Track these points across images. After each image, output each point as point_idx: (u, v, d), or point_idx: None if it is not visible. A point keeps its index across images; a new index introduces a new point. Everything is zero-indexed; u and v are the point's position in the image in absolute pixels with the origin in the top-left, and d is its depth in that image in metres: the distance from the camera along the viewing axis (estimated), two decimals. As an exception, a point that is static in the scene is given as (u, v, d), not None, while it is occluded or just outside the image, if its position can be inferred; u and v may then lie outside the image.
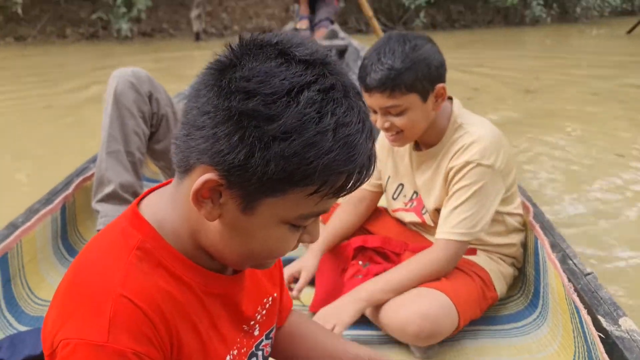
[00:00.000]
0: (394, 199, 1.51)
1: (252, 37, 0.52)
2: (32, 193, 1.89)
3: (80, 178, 1.88)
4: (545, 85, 4.75)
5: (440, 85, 1.29)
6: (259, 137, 0.46)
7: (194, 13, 6.81)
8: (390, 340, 1.36)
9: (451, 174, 1.29)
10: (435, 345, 1.33)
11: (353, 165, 0.49)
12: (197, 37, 6.84)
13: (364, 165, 0.50)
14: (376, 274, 1.37)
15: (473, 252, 1.41)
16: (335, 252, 1.52)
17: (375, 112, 1.33)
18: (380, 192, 1.59)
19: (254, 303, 0.71)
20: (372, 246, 1.48)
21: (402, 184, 1.47)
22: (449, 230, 1.30)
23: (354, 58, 4.11)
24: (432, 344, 1.31)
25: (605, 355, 1.00)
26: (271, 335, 0.77)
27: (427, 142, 1.40)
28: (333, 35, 4.59)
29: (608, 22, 9.01)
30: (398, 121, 1.30)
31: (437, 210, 1.39)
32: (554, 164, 2.95)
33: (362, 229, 1.58)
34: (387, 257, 1.46)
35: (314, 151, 0.47)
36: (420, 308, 1.25)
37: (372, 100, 1.30)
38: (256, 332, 0.72)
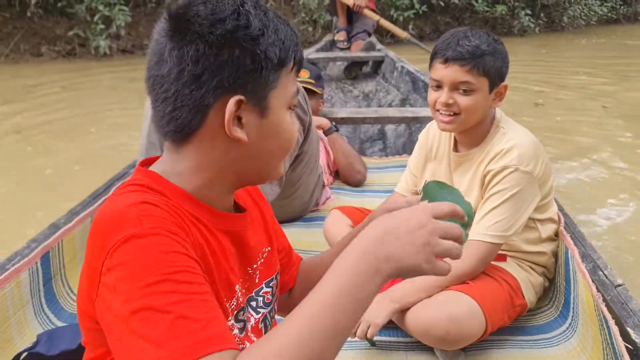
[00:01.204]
0: None
1: (178, 3, 0.61)
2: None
3: (121, 181, 2.05)
4: (551, 97, 4.81)
5: (504, 84, 1.36)
6: (250, 39, 0.58)
7: None
8: (417, 347, 1.39)
9: (488, 177, 1.35)
10: (462, 353, 1.34)
11: (297, 39, 0.64)
12: None
13: (299, 43, 0.66)
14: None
15: (503, 258, 1.45)
16: None
17: (439, 87, 1.38)
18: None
19: (256, 246, 0.77)
20: None
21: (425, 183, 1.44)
22: (482, 232, 1.34)
23: (390, 69, 4.21)
24: (458, 350, 1.34)
25: None
26: (271, 284, 0.82)
27: (469, 142, 1.43)
28: (370, 47, 4.71)
29: (595, 30, 9.26)
30: (463, 100, 1.34)
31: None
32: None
33: None
34: None
35: (281, 34, 0.61)
36: (447, 310, 1.27)
37: (447, 72, 1.35)
38: (256, 280, 0.78)
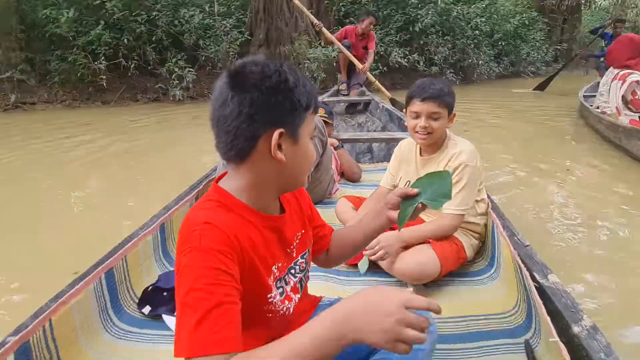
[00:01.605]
0: None
1: (235, 65, 0.71)
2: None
3: (208, 179, 2.16)
4: (471, 126, 5.04)
5: (454, 113, 1.50)
6: (289, 90, 0.67)
7: None
8: (395, 283, 1.49)
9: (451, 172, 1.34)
10: (426, 288, 1.47)
11: (315, 90, 0.72)
12: None
13: (316, 94, 0.71)
14: None
15: None
16: None
17: (418, 117, 1.46)
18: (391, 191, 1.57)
19: (292, 234, 0.84)
20: None
21: (408, 181, 1.60)
22: (453, 208, 1.45)
23: (375, 108, 4.61)
24: (421, 284, 1.46)
25: (538, 298, 1.07)
26: (305, 256, 0.88)
27: (432, 150, 1.54)
28: (362, 93, 5.20)
29: (493, 82, 10.02)
30: (434, 124, 1.47)
31: None
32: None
33: None
34: (392, 228, 1.42)
35: (307, 87, 0.70)
36: (416, 259, 1.41)
37: (424, 107, 1.46)
38: (294, 254, 0.84)
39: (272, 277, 0.78)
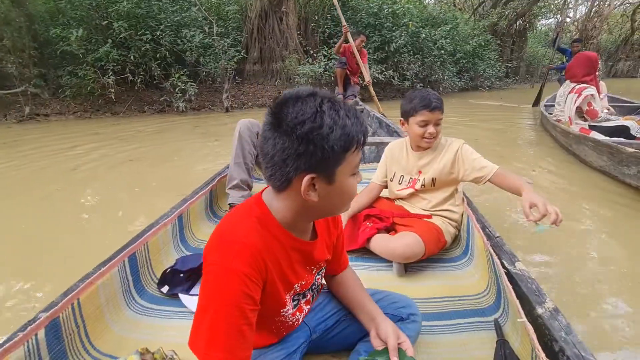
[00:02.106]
0: (399, 184, 1.65)
1: (278, 99, 0.62)
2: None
3: (220, 176, 2.16)
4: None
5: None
6: (321, 138, 0.58)
7: (224, 96, 7.28)
8: (382, 267, 1.49)
9: (458, 154, 1.49)
10: (408, 269, 1.48)
11: (362, 127, 0.62)
12: (227, 110, 7.23)
13: (365, 130, 0.63)
14: (377, 229, 1.52)
15: (429, 217, 1.57)
16: (353, 218, 1.64)
17: (426, 125, 1.47)
18: (384, 186, 1.74)
19: (318, 258, 0.80)
20: (373, 214, 1.60)
21: (402, 175, 1.60)
22: (491, 166, 1.43)
23: (366, 116, 4.53)
24: (402, 265, 1.45)
25: (508, 282, 1.08)
26: (321, 273, 0.85)
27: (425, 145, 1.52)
28: (356, 104, 5.13)
29: (456, 94, 9.99)
30: (438, 128, 1.49)
31: (432, 179, 1.55)
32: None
33: (370, 206, 1.72)
34: (382, 219, 1.59)
35: (347, 128, 0.59)
36: (403, 241, 1.41)
37: (432, 116, 1.45)
38: (314, 273, 0.81)
39: (291, 293, 0.76)
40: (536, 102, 6.92)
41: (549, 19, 16.95)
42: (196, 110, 7.47)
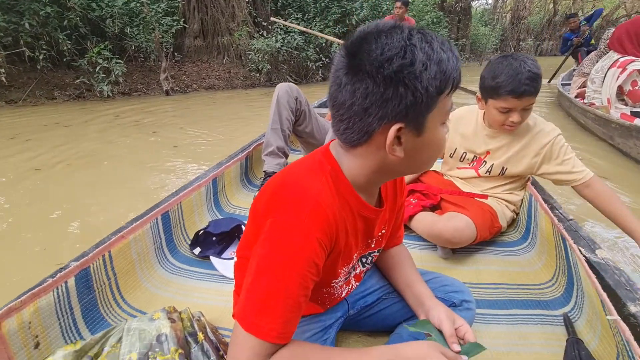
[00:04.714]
0: (460, 161, 1.45)
1: (354, 36, 0.51)
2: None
3: (256, 143, 2.21)
4: None
5: None
6: (414, 78, 0.46)
7: (162, 76, 6.20)
8: (425, 247, 1.39)
9: (547, 148, 1.26)
10: (454, 254, 1.33)
11: (458, 64, 0.50)
12: (167, 93, 6.21)
13: (459, 66, 0.50)
14: (422, 206, 1.39)
15: (485, 197, 1.40)
16: None
17: (509, 112, 1.18)
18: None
19: (379, 228, 0.71)
20: (419, 189, 1.49)
21: (465, 153, 1.39)
22: (587, 172, 1.24)
23: None
24: (450, 249, 1.31)
25: (590, 271, 0.95)
26: (379, 251, 0.78)
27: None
28: None
29: None
30: (525, 114, 1.21)
31: (503, 168, 1.34)
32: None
33: (416, 179, 1.59)
34: (428, 195, 1.46)
35: (443, 64, 0.48)
36: (453, 223, 1.26)
37: (519, 103, 1.16)
38: (372, 245, 0.73)
39: (348, 267, 0.68)
40: (551, 78, 6.40)
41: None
42: (126, 95, 6.25)
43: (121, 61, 5.79)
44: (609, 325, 0.80)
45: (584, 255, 1.02)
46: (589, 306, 0.95)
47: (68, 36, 5.52)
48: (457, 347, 0.60)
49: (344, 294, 0.77)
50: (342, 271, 0.67)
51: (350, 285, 0.77)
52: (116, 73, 5.68)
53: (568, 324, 0.98)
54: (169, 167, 2.67)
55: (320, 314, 0.78)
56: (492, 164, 1.36)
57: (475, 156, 1.40)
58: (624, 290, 0.86)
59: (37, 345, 0.81)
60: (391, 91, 0.47)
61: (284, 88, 1.85)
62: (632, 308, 0.80)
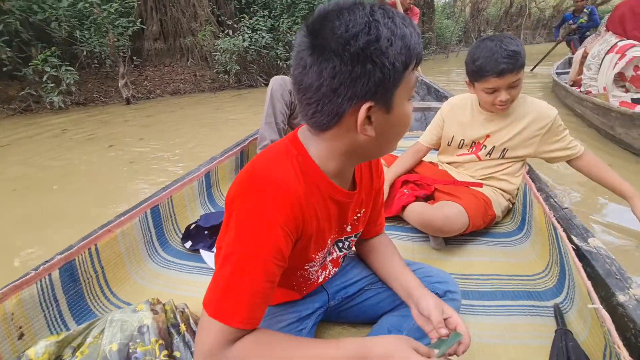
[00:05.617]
0: (459, 148, 1.45)
1: (315, 15, 0.50)
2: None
3: (251, 138, 2.20)
4: None
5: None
6: (380, 54, 0.46)
7: (120, 83, 5.76)
8: (417, 238, 1.38)
9: (546, 129, 1.27)
10: (449, 242, 1.32)
11: (419, 39, 0.50)
12: (128, 101, 5.78)
13: (420, 41, 0.51)
14: (415, 196, 1.37)
15: (480, 185, 1.40)
16: (392, 184, 1.50)
17: (495, 91, 1.19)
18: (429, 149, 1.55)
19: (353, 211, 0.69)
20: (412, 180, 1.47)
21: (463, 139, 1.42)
22: (578, 147, 1.29)
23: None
24: (442, 238, 1.30)
25: (577, 260, 0.94)
26: (357, 236, 0.76)
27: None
28: None
29: None
30: (514, 92, 1.22)
31: (504, 150, 1.34)
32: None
33: (411, 170, 1.57)
34: (422, 186, 1.44)
35: (407, 39, 0.48)
36: (443, 212, 1.24)
37: (502, 82, 1.18)
38: (348, 229, 0.72)
39: (322, 252, 0.67)
40: (535, 66, 6.25)
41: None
42: (81, 105, 5.77)
43: (72, 68, 5.31)
44: (596, 315, 0.79)
45: (574, 244, 1.00)
46: (580, 297, 0.93)
47: (7, 43, 4.98)
48: (444, 331, 0.60)
49: (321, 279, 0.77)
50: (317, 256, 0.67)
51: (328, 271, 0.78)
52: (67, 82, 5.20)
53: (558, 314, 0.96)
54: (120, 188, 2.37)
55: (296, 304, 0.78)
56: (493, 146, 1.36)
57: (473, 141, 1.40)
58: (614, 279, 0.84)
59: (21, 336, 0.84)
60: (359, 69, 0.47)
61: (277, 81, 1.82)
62: (621, 297, 0.78)
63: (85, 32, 5.64)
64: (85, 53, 5.83)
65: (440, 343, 0.59)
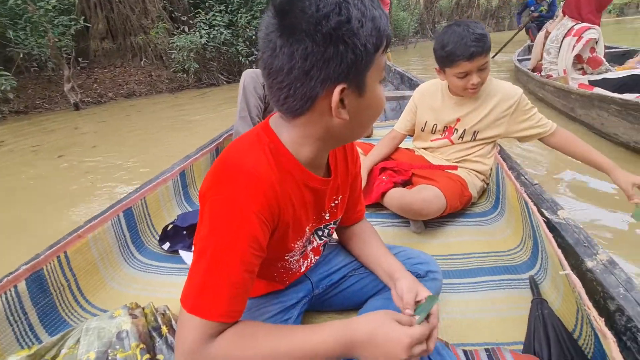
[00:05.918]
0: (432, 133, 1.48)
1: None
2: None
3: (226, 134, 2.18)
4: None
5: None
6: (352, 34, 0.46)
7: (66, 87, 5.23)
8: (398, 223, 1.39)
9: (513, 107, 1.31)
10: (428, 225, 1.35)
11: (388, 21, 0.50)
12: (77, 106, 5.31)
13: (389, 23, 0.51)
14: (394, 182, 1.38)
15: (455, 168, 1.43)
16: (370, 171, 1.51)
17: (467, 75, 1.25)
18: (405, 135, 1.58)
19: (330, 198, 0.69)
20: (390, 167, 1.48)
21: (435, 124, 1.46)
22: (550, 124, 1.31)
23: (387, 71, 4.13)
24: (421, 221, 1.33)
25: (547, 231, 0.98)
26: (336, 223, 0.76)
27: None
28: None
29: None
30: (483, 74, 1.26)
31: (474, 132, 1.38)
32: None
33: (388, 157, 1.58)
34: (399, 172, 1.45)
35: (377, 20, 0.48)
36: (422, 195, 1.27)
37: (473, 65, 1.22)
38: (327, 217, 0.71)
39: (301, 240, 0.67)
40: (497, 53, 6.35)
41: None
42: (22, 114, 5.23)
43: (8, 73, 4.78)
44: (568, 282, 0.83)
45: (545, 217, 1.05)
46: (552, 267, 0.97)
47: None
48: (409, 312, 0.60)
49: (303, 269, 0.77)
50: (296, 245, 0.66)
51: (309, 260, 0.77)
52: (2, 88, 4.67)
53: (533, 285, 1.01)
54: (77, 202, 2.15)
55: (279, 295, 0.78)
56: (464, 129, 1.39)
57: (445, 126, 1.44)
58: (582, 247, 0.88)
59: (-13, 354, 0.79)
60: (332, 50, 0.46)
61: (249, 74, 1.80)
62: (589, 263, 0.82)
63: (20, 33, 5.07)
64: (22, 55, 5.27)
65: (419, 309, 0.61)
